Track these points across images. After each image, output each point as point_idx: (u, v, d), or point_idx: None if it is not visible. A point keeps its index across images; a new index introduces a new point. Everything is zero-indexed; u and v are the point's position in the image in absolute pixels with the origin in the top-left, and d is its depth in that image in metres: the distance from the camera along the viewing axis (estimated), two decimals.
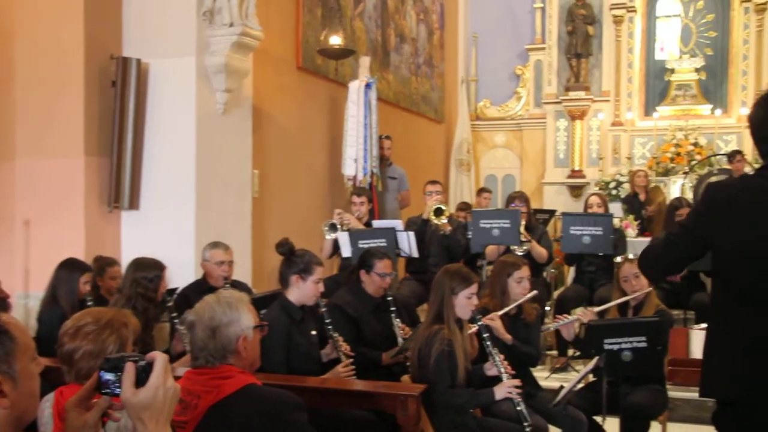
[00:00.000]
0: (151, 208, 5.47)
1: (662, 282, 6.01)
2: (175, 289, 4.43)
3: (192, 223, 5.41)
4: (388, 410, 3.43)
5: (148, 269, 4.26)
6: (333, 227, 6.06)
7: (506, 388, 3.63)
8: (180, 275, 4.84)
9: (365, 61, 7.43)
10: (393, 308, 4.44)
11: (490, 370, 3.80)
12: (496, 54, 12.09)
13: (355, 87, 7.21)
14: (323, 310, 3.98)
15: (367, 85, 7.23)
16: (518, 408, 3.60)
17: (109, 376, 1.62)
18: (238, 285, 4.76)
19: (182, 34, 5.44)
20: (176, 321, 4.16)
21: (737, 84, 10.71)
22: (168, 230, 5.38)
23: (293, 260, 3.88)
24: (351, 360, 3.89)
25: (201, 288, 4.61)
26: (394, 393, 3.42)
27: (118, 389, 1.60)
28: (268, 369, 3.55)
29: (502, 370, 3.70)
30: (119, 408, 1.65)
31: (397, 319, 4.43)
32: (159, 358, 1.61)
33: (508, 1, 12.03)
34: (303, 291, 3.85)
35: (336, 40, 7.20)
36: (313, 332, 3.93)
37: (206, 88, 5.55)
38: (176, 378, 1.69)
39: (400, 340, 4.36)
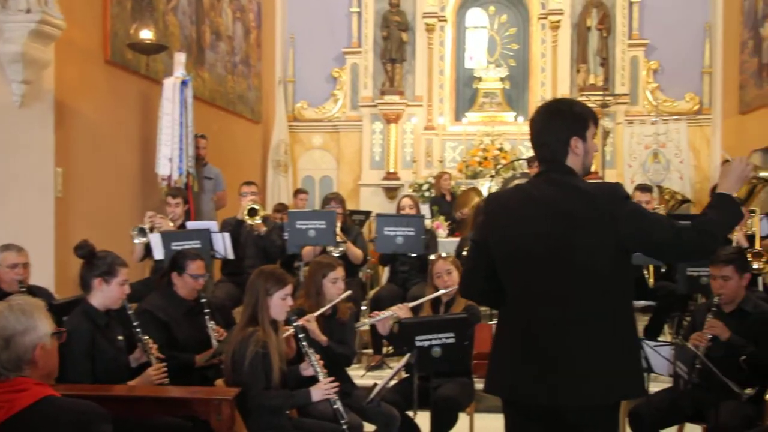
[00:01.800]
0: None
1: None
2: None
3: None
4: (201, 416, 3.35)
5: None
6: (142, 231, 5.83)
7: (323, 388, 3.66)
8: None
9: (180, 58, 7.19)
10: (207, 311, 4.35)
11: (306, 370, 3.81)
12: (313, 56, 12.15)
13: (170, 84, 6.97)
14: (131, 312, 3.82)
15: (183, 83, 7.01)
16: (335, 407, 3.64)
17: None
18: (36, 290, 4.44)
19: None
20: None
21: (537, 94, 11.45)
22: None
23: (95, 263, 3.69)
24: (163, 364, 3.76)
25: None
26: (208, 398, 3.35)
27: None
28: (71, 379, 3.36)
29: (318, 370, 3.72)
30: None
31: (212, 322, 4.34)
32: None
33: (325, 4, 12.13)
34: (107, 294, 3.68)
35: (147, 35, 6.91)
36: (120, 337, 3.75)
37: (0, 78, 5.15)
38: None
39: (214, 342, 4.28)
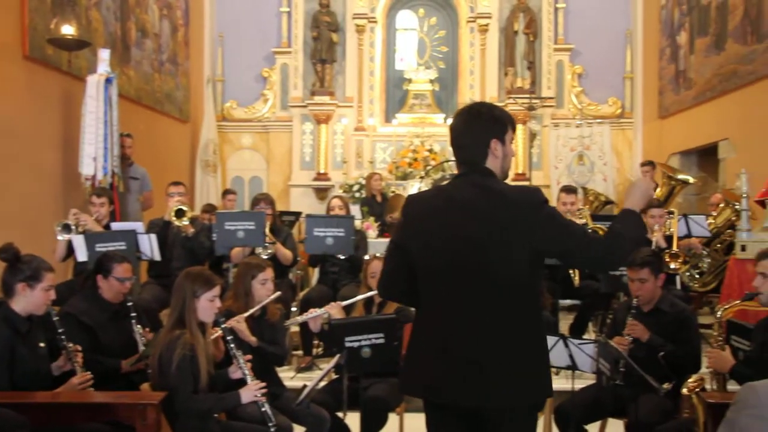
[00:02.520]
0: None
1: None
2: None
3: None
4: (126, 421, 3.29)
5: None
6: (67, 228, 5.67)
7: (252, 391, 3.63)
8: None
9: (103, 54, 7.02)
10: (133, 314, 4.26)
11: (234, 373, 3.78)
12: (242, 55, 12.04)
13: (94, 81, 6.79)
14: (56, 319, 3.71)
15: (107, 80, 6.85)
16: (263, 409, 3.63)
17: None
18: None
19: None
20: None
21: (466, 96, 11.61)
22: None
23: (19, 267, 3.57)
24: (89, 374, 3.67)
25: None
26: (133, 402, 3.29)
27: None
28: None
29: (247, 372, 3.70)
30: None
31: (138, 325, 4.26)
32: None
33: (255, 3, 12.04)
34: (31, 300, 3.57)
35: (69, 30, 6.72)
36: (42, 344, 3.64)
37: None
38: None
39: (141, 346, 4.19)
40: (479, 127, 2.68)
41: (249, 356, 3.80)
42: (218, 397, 3.64)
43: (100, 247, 5.28)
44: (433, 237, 2.62)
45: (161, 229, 6.19)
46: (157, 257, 5.92)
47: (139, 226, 6.04)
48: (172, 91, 10.33)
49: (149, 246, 5.84)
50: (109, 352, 4.12)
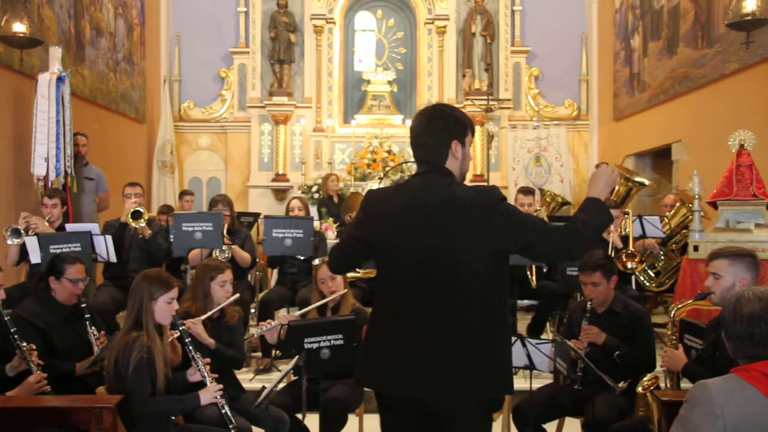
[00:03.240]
0: None
1: (359, 282, 6.38)
2: None
3: None
4: (81, 426, 3.22)
5: None
6: (16, 232, 5.54)
7: (211, 392, 3.59)
8: None
9: (56, 53, 6.89)
10: (87, 316, 4.19)
11: (193, 375, 3.73)
12: (200, 55, 11.93)
13: (45, 80, 6.67)
14: (7, 318, 3.64)
15: (60, 79, 6.73)
16: (223, 411, 3.59)
17: None
18: None
19: None
20: None
21: (424, 97, 11.69)
22: None
23: None
24: (44, 374, 3.60)
25: None
26: (88, 406, 3.22)
27: None
28: None
29: (206, 374, 3.66)
30: None
31: (93, 328, 4.19)
32: None
33: (212, 3, 11.94)
34: None
35: (20, 28, 6.59)
36: None
37: None
38: None
39: (96, 349, 4.12)
40: (441, 128, 2.69)
41: (208, 359, 3.76)
42: (176, 399, 3.59)
43: (54, 249, 5.18)
44: (392, 235, 2.64)
45: (117, 230, 6.10)
46: (113, 259, 5.83)
47: (94, 227, 5.94)
48: (128, 90, 10.19)
49: (105, 247, 5.76)
50: (63, 356, 4.05)
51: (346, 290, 4.64)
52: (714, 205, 5.76)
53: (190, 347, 3.67)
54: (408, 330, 2.58)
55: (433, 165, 2.68)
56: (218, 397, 3.59)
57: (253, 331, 4.68)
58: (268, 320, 4.56)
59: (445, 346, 2.53)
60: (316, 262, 4.92)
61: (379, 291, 2.75)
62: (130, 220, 5.99)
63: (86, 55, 8.70)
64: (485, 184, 8.95)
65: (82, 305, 4.20)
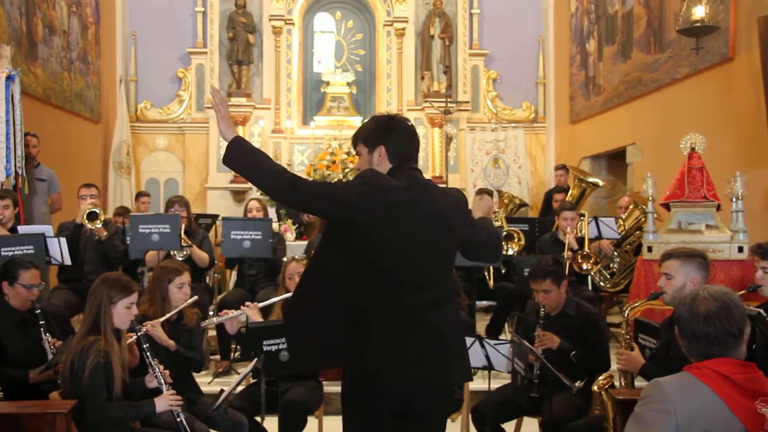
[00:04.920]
0: None
1: None
2: None
3: None
4: None
5: None
6: None
7: (167, 400, 3.56)
8: None
9: (5, 51, 6.75)
10: (42, 321, 4.11)
11: (150, 382, 3.69)
12: (157, 55, 11.77)
13: None
14: None
15: (9, 78, 6.59)
16: (178, 419, 3.56)
17: None
18: None
19: None
20: None
21: (383, 99, 11.71)
22: None
23: None
24: None
25: None
26: (41, 412, 3.17)
27: None
28: None
29: (163, 381, 3.62)
30: None
31: (47, 334, 4.12)
32: None
33: (169, 2, 11.80)
34: None
35: None
36: None
37: None
38: None
39: (50, 355, 4.05)
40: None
41: (165, 370, 3.71)
42: (132, 405, 3.55)
43: (7, 251, 5.08)
44: (413, 233, 2.69)
45: (72, 232, 6.00)
46: (68, 261, 5.74)
47: (48, 229, 5.84)
48: (83, 90, 10.02)
49: (59, 250, 5.66)
50: (16, 362, 3.98)
51: None
52: (667, 206, 5.87)
53: (148, 353, 3.63)
54: (434, 326, 2.70)
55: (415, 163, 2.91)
56: (174, 404, 3.56)
57: (213, 319, 4.64)
58: (231, 309, 4.54)
59: (459, 339, 2.85)
60: (285, 258, 4.91)
61: (387, 287, 2.68)
62: (86, 221, 5.90)
63: (39, 54, 8.54)
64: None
65: (37, 311, 4.13)
